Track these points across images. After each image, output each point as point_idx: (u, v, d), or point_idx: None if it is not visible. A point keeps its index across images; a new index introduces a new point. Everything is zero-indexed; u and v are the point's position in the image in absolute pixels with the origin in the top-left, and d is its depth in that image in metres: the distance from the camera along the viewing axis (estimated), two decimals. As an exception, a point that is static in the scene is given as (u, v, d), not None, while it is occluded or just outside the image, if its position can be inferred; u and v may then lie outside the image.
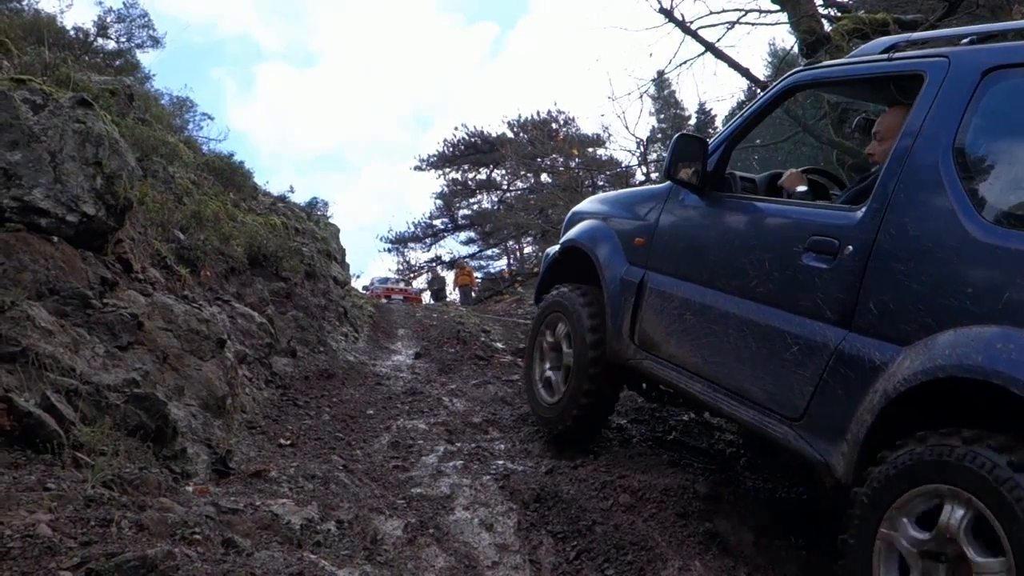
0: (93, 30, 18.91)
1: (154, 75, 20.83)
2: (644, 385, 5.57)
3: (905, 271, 3.37)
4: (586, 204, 6.34)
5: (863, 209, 3.65)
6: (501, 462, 5.49)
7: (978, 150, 3.42)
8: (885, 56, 4.07)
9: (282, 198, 15.34)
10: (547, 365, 6.05)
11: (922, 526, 2.97)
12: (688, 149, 4.75)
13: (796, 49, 11.82)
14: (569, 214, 6.47)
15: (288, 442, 5.73)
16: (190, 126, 19.68)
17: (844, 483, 3.42)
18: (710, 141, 4.87)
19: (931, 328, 3.17)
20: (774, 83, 4.86)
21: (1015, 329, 2.88)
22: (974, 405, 2.97)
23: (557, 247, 6.29)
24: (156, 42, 21.88)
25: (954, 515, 2.84)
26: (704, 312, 4.49)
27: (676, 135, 4.92)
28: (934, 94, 3.56)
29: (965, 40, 3.78)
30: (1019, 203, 3.21)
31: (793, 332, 3.81)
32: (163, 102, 16.67)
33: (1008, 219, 3.13)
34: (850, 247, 3.62)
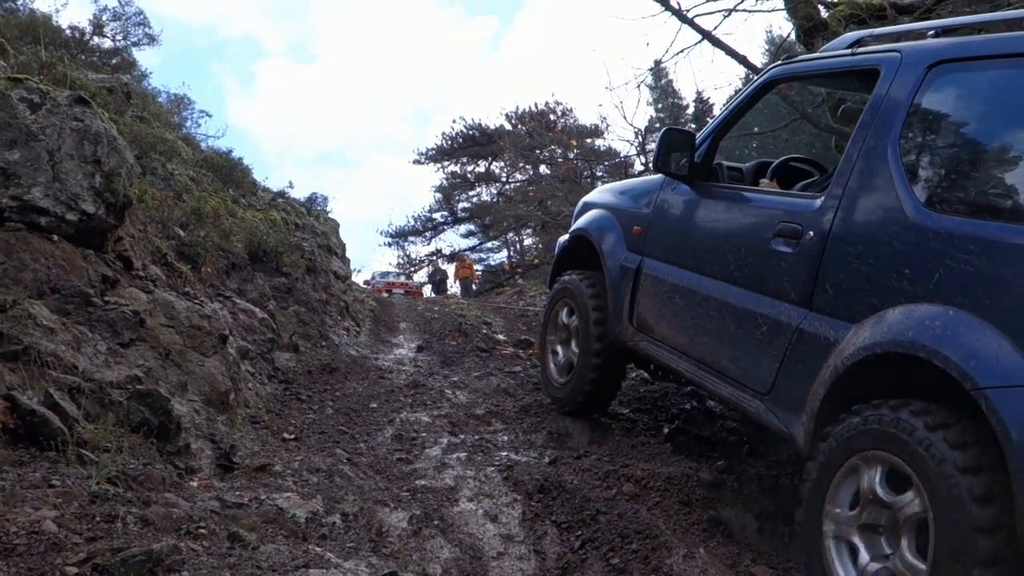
0: (89, 29, 18.87)
1: (151, 73, 20.79)
2: (651, 365, 5.76)
3: (856, 254, 3.63)
4: (594, 194, 6.62)
5: (823, 197, 3.93)
6: (505, 453, 5.49)
7: (920, 140, 3.67)
8: (849, 51, 4.33)
9: (281, 193, 15.34)
10: (558, 347, 6.37)
11: (852, 507, 3.24)
12: (677, 141, 5.04)
13: (793, 36, 11.77)
14: (579, 204, 6.75)
15: (292, 436, 5.74)
16: (188, 123, 19.63)
17: (805, 455, 3.64)
18: (697, 134, 5.13)
19: (877, 307, 3.42)
20: (755, 78, 5.14)
21: (943, 307, 3.12)
22: (923, 379, 3.14)
23: (567, 236, 6.57)
24: (152, 40, 21.81)
25: (869, 476, 3.16)
26: (690, 295, 4.78)
27: (664, 128, 5.18)
28: (887, 87, 3.81)
29: (931, 33, 4.01)
30: (950, 189, 3.48)
31: (763, 313, 4.09)
32: (161, 100, 16.65)
33: (941, 204, 3.38)
34: (811, 232, 3.88)
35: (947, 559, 2.83)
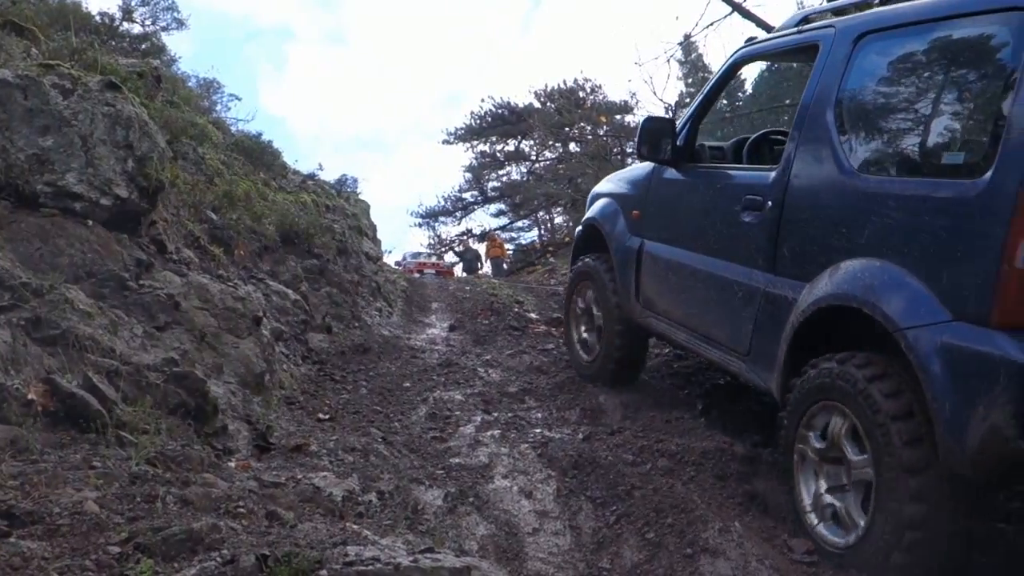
0: (118, 15, 18.95)
1: (180, 58, 20.86)
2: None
3: (805, 219, 4.07)
4: (601, 184, 7.05)
5: (778, 168, 4.32)
6: (538, 430, 5.50)
7: (851, 106, 4.02)
8: (796, 29, 4.74)
9: (312, 176, 15.33)
10: (582, 328, 6.76)
11: (823, 438, 3.69)
12: (658, 129, 5.46)
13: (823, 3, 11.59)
14: (590, 195, 7.19)
15: (327, 416, 5.78)
16: (218, 107, 19.70)
17: (781, 406, 4.05)
18: (678, 120, 5.61)
19: (824, 265, 3.80)
20: (724, 61, 5.60)
21: (873, 260, 3.51)
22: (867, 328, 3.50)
23: (580, 226, 7.03)
24: (181, 24, 21.83)
25: (837, 425, 3.58)
26: (681, 270, 5.25)
27: (644, 117, 5.64)
28: (824, 60, 4.20)
29: (876, 2, 4.36)
30: (877, 151, 3.86)
31: (739, 280, 4.52)
32: (190, 84, 16.72)
33: (870, 166, 3.79)
34: (769, 202, 4.29)
35: (884, 496, 3.27)
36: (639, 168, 6.26)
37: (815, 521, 3.73)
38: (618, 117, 36.52)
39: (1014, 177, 2.99)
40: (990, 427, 2.93)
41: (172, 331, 5.03)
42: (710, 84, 5.60)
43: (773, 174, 4.34)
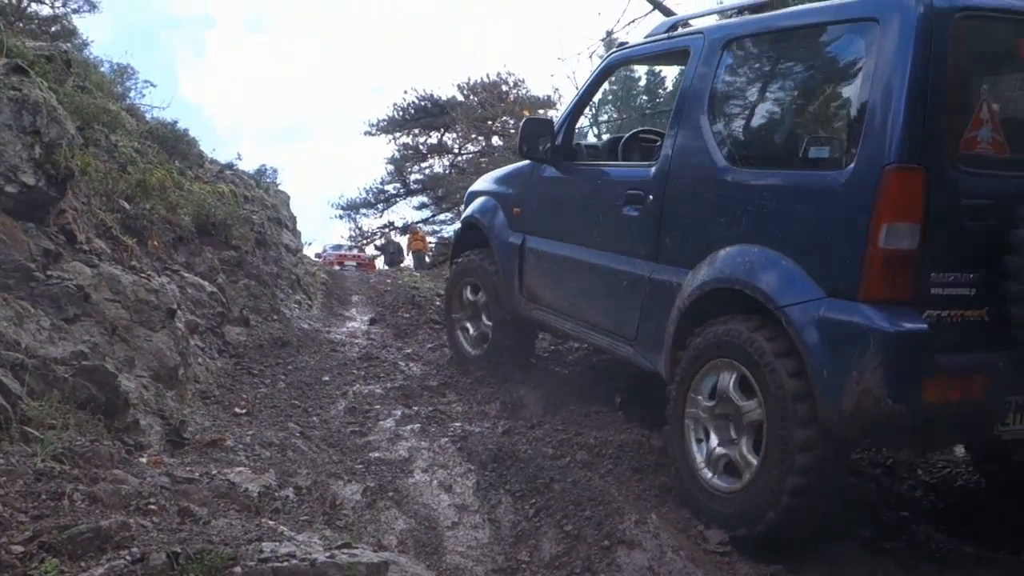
0: (27, -6, 18.29)
1: (92, 41, 20.14)
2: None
3: (685, 209, 4.42)
4: (478, 183, 7.27)
5: (656, 163, 4.66)
6: (458, 424, 5.50)
7: (721, 105, 4.39)
8: (666, 35, 5.10)
9: (230, 166, 15.07)
10: (467, 323, 6.96)
11: (711, 397, 4.01)
12: (537, 129, 5.77)
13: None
14: (467, 193, 7.44)
15: (243, 411, 5.68)
16: (132, 94, 19.14)
17: (667, 383, 4.37)
18: (554, 120, 5.91)
19: (706, 252, 4.13)
20: (597, 65, 6.02)
21: (753, 246, 3.87)
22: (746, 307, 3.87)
23: (459, 224, 7.29)
24: (93, 6, 21.20)
25: (725, 380, 3.91)
26: (565, 263, 5.54)
27: (524, 119, 5.96)
28: (695, 63, 4.53)
29: (732, 13, 4.94)
30: (749, 146, 4.29)
31: (623, 270, 4.84)
32: (103, 70, 16.21)
33: (741, 159, 4.16)
34: (650, 196, 4.63)
35: (775, 446, 3.58)
36: (517, 167, 6.50)
37: (709, 474, 4.02)
38: (541, 111, 36.65)
39: (874, 168, 3.39)
40: (863, 389, 3.31)
41: (81, 323, 4.88)
42: (584, 86, 5.93)
43: (653, 170, 4.68)
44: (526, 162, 6.15)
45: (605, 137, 6.57)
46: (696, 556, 3.68)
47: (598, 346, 5.49)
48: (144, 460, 4.06)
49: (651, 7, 11.33)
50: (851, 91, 3.69)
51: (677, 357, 4.24)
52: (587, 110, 6.36)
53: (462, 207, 7.36)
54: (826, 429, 3.48)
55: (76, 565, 2.50)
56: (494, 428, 5.36)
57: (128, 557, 2.53)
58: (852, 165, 3.50)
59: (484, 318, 6.70)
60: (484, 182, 7.12)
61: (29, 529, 2.66)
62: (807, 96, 4.11)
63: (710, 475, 4.00)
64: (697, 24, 5.04)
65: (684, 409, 4.16)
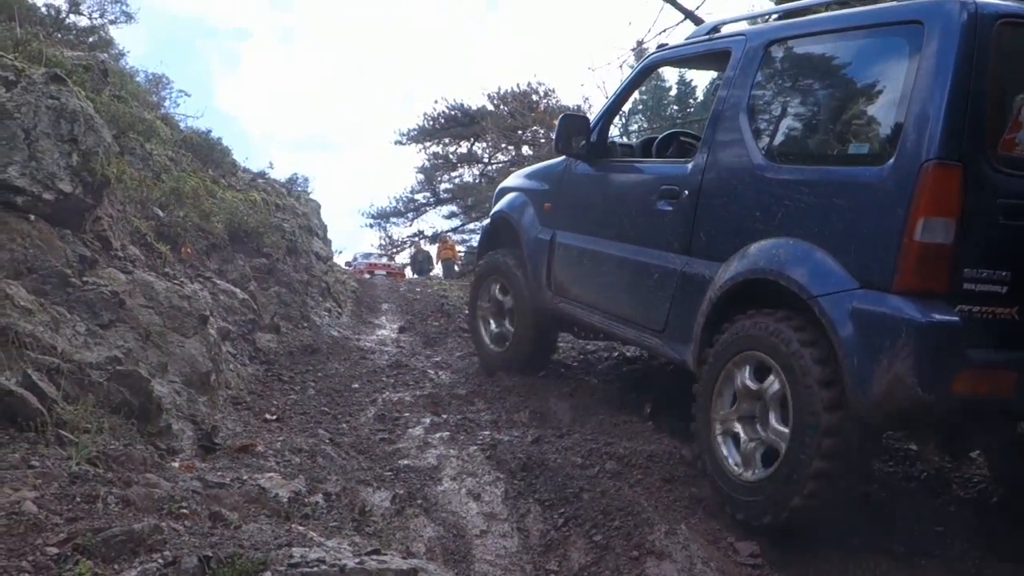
0: (65, 6, 18.56)
1: (128, 52, 20.50)
2: (575, 326, 6.50)
3: (720, 205, 4.50)
4: (509, 180, 7.36)
5: (693, 161, 4.79)
6: (487, 432, 5.49)
7: (762, 104, 4.51)
8: (707, 37, 5.22)
9: (262, 174, 15.18)
10: (491, 321, 7.06)
11: (741, 385, 4.06)
12: (574, 126, 5.82)
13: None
14: (497, 189, 7.53)
15: (274, 417, 5.72)
16: (167, 103, 19.40)
17: (695, 375, 4.45)
18: (591, 118, 5.94)
19: (739, 246, 4.22)
20: (636, 65, 6.18)
21: (785, 239, 3.96)
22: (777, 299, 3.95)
23: (488, 219, 7.36)
24: (129, 17, 21.50)
25: (740, 375, 4.05)
26: (595, 257, 5.62)
27: (562, 115, 6.02)
28: (737, 64, 4.64)
29: (774, 17, 5.02)
30: (785, 143, 4.35)
31: (654, 263, 4.94)
32: (139, 79, 16.45)
33: (779, 156, 4.26)
34: (686, 191, 4.72)
35: (800, 431, 3.65)
36: (548, 164, 6.68)
37: (734, 462, 4.09)
38: (571, 122, 36.49)
39: (914, 164, 3.45)
40: (894, 377, 3.37)
41: (116, 329, 4.93)
42: (622, 85, 6.05)
43: (689, 166, 4.79)
44: (558, 159, 6.27)
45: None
46: (727, 568, 3.65)
47: (624, 338, 5.60)
48: (176, 464, 4.09)
49: (683, 16, 11.26)
50: (893, 91, 3.74)
51: (704, 354, 4.33)
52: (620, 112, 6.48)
53: (492, 203, 7.45)
54: (854, 415, 3.55)
55: (109, 567, 2.53)
56: (523, 437, 5.34)
57: (160, 560, 2.56)
58: (892, 161, 3.57)
59: (507, 322, 6.83)
60: (514, 179, 7.24)
61: (64, 531, 2.69)
62: (848, 96, 4.15)
63: (735, 463, 4.08)
64: (738, 27, 5.11)
65: (711, 402, 4.23)
